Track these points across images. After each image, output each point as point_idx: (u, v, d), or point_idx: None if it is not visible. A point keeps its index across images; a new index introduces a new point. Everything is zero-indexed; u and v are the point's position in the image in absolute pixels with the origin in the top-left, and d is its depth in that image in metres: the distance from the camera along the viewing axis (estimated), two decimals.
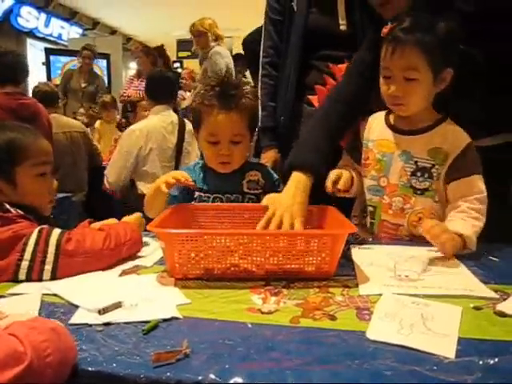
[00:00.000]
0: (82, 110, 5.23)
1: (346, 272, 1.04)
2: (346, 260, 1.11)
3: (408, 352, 0.68)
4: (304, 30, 1.72)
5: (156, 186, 1.26)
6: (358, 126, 1.41)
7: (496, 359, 0.65)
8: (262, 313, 0.83)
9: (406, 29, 1.19)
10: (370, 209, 1.34)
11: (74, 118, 4.67)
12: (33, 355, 0.55)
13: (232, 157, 1.32)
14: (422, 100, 1.25)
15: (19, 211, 1.05)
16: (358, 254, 1.16)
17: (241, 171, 1.38)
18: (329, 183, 1.28)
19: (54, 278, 0.99)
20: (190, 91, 4.58)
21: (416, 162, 1.27)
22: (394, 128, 1.32)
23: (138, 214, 1.28)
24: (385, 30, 1.23)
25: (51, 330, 0.62)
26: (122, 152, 2.71)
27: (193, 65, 6.09)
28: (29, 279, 0.98)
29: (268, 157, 1.82)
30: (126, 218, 1.25)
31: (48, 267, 0.98)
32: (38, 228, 1.02)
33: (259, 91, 1.88)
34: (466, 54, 1.21)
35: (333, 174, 1.29)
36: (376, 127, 1.36)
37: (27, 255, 0.98)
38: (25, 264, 0.98)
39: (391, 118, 1.35)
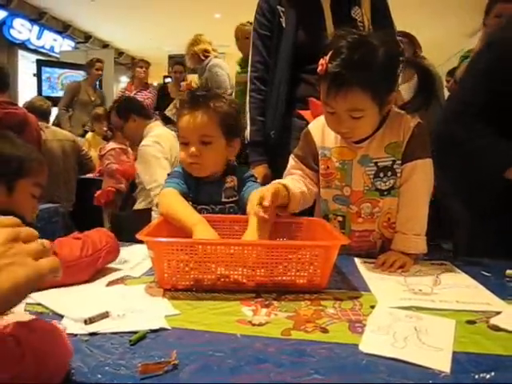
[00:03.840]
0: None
1: (337, 285, 1.02)
2: (338, 273, 1.10)
3: (402, 366, 0.67)
4: (293, 46, 1.74)
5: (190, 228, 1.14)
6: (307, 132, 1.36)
7: (492, 373, 0.64)
8: (253, 325, 0.81)
9: (344, 66, 1.10)
10: (339, 219, 1.30)
11: (84, 132, 4.66)
12: (30, 357, 0.54)
13: (202, 158, 1.28)
14: (369, 129, 1.22)
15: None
16: (365, 268, 1.16)
17: (221, 180, 1.35)
18: (253, 206, 1.12)
19: None
20: None
21: (376, 163, 1.24)
22: None
23: None
24: (322, 67, 1.15)
25: (51, 331, 0.61)
26: (161, 159, 2.64)
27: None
28: None
29: (258, 172, 1.79)
30: None
31: None
32: None
33: (248, 105, 1.88)
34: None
35: (254, 197, 1.14)
36: (330, 134, 1.30)
37: None
38: None
39: None
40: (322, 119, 1.29)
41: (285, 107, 1.78)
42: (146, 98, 4.81)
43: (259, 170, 1.80)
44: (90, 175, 3.95)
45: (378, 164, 1.24)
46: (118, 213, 2.91)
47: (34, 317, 0.67)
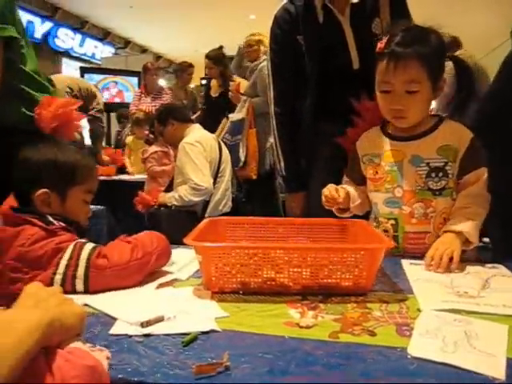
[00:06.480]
0: None
1: (382, 287, 1.02)
2: (383, 274, 1.09)
3: (452, 371, 0.66)
4: (319, 70, 1.70)
5: None
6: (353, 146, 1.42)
7: None
8: (300, 327, 0.82)
9: (402, 43, 1.21)
10: (392, 222, 1.31)
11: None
12: None
13: None
14: (422, 110, 1.27)
15: (61, 223, 1.08)
16: (412, 269, 1.15)
17: None
18: (327, 197, 1.29)
19: (86, 290, 1.00)
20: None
21: (428, 163, 1.26)
22: (395, 138, 1.32)
23: None
24: (381, 46, 1.24)
25: (86, 367, 0.58)
26: (204, 160, 2.78)
27: None
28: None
29: (296, 201, 1.85)
30: None
31: (79, 280, 1.00)
32: (74, 242, 1.04)
33: (277, 141, 1.86)
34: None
35: (327, 190, 1.30)
36: (374, 141, 1.36)
37: (60, 269, 1.00)
38: (58, 278, 0.99)
39: (389, 129, 1.34)
40: (368, 131, 1.39)
41: (313, 139, 1.77)
42: (164, 100, 4.84)
43: (298, 199, 1.84)
44: (126, 177, 4.07)
45: (430, 164, 1.25)
46: (154, 211, 2.96)
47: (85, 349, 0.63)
